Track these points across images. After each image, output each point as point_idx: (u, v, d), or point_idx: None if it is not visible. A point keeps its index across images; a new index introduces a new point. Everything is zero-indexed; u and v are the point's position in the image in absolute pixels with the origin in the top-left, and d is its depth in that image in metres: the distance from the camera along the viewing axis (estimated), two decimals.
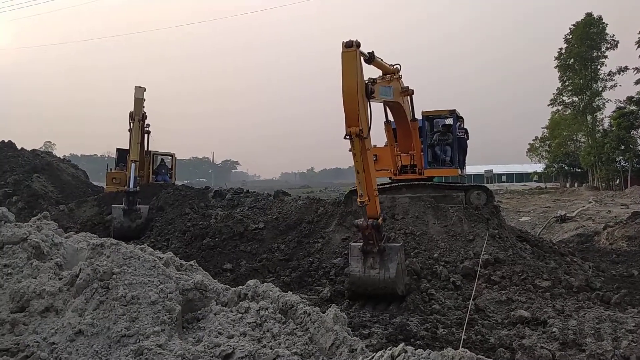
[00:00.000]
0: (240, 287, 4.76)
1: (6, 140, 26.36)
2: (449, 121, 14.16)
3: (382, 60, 10.10)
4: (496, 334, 7.30)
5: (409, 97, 12.53)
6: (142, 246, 5.06)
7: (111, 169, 21.82)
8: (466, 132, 14.27)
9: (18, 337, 3.90)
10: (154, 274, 4.37)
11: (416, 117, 13.13)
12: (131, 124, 18.30)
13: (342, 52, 8.39)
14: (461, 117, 14.32)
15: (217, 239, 12.97)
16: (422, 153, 13.96)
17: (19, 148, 26.20)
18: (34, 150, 27.78)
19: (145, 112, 19.24)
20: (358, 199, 8.72)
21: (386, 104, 11.82)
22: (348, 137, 8.36)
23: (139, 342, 3.69)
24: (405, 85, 11.95)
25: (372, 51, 9.21)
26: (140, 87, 19.06)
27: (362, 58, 8.71)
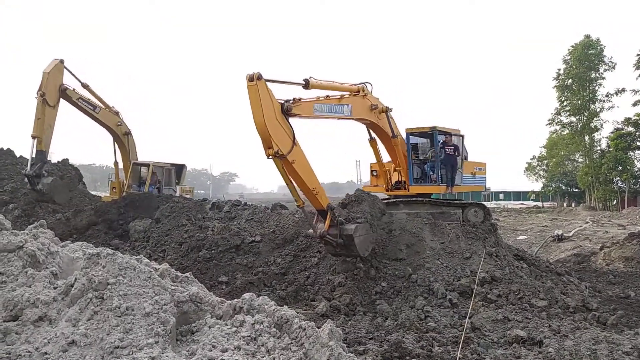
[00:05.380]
0: (235, 300, 4.73)
1: (5, 148, 26.34)
2: (441, 138, 14.09)
3: (334, 82, 11.14)
4: (492, 353, 7.25)
5: (385, 114, 12.76)
6: (138, 257, 5.04)
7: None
8: (456, 148, 13.93)
9: (10, 346, 3.86)
10: (149, 285, 4.34)
11: (396, 134, 13.24)
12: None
13: (247, 86, 9.20)
14: (449, 133, 13.99)
15: (213, 251, 12.91)
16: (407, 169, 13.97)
17: (18, 156, 26.16)
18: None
19: (65, 86, 18.66)
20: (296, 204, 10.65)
21: (360, 121, 12.50)
22: (270, 157, 9.50)
23: (132, 354, 3.66)
24: (383, 104, 12.49)
25: (307, 78, 10.14)
26: (57, 59, 18.32)
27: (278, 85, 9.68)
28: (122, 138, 22.24)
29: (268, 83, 9.45)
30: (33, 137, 17.30)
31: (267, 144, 9.35)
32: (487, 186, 15.73)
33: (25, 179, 17.52)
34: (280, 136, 9.42)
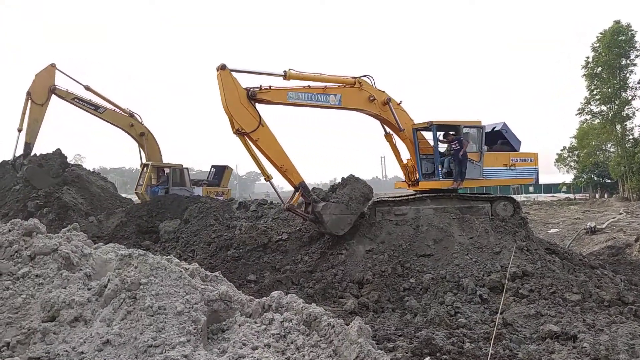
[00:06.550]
0: (264, 298, 4.78)
1: (38, 154, 27.10)
2: (441, 131, 13.68)
3: (322, 74, 12.00)
4: (525, 349, 7.13)
5: (387, 106, 12.79)
6: (168, 257, 5.13)
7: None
8: (459, 141, 13.20)
9: (49, 345, 3.98)
10: (180, 284, 4.41)
11: (403, 127, 13.13)
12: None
13: (216, 75, 11.01)
14: (452, 126, 13.45)
15: (241, 250, 13.04)
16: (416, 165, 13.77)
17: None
18: None
19: (55, 86, 21.12)
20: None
21: (360, 112, 12.94)
22: (235, 134, 11.17)
23: (165, 352, 3.73)
24: (387, 95, 12.79)
25: (286, 70, 11.47)
26: (51, 64, 21.08)
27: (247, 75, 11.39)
28: (139, 139, 22.87)
29: (245, 74, 11.29)
30: (18, 130, 20.51)
31: (231, 124, 11.16)
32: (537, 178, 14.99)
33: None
34: (243, 117, 11.09)
